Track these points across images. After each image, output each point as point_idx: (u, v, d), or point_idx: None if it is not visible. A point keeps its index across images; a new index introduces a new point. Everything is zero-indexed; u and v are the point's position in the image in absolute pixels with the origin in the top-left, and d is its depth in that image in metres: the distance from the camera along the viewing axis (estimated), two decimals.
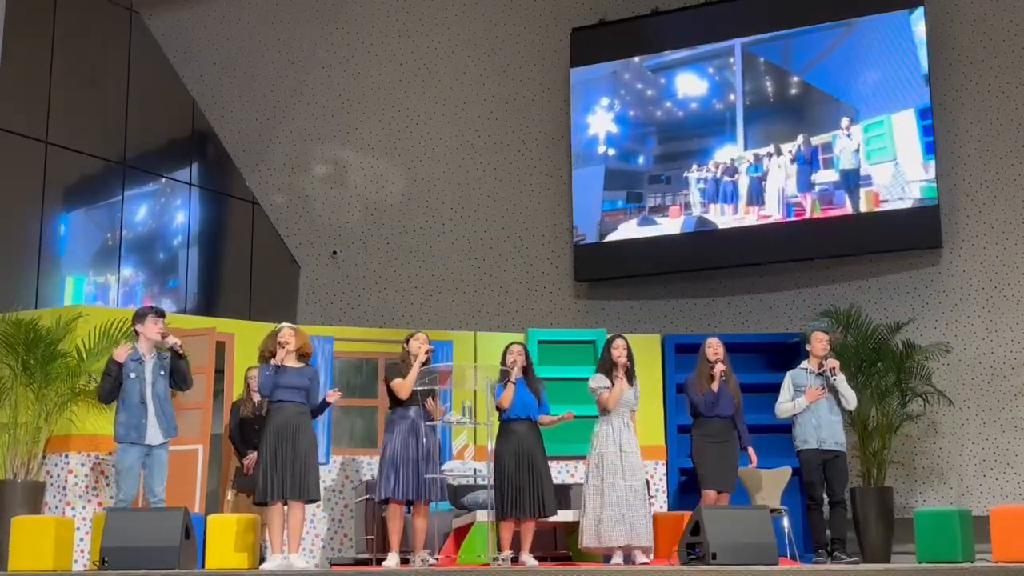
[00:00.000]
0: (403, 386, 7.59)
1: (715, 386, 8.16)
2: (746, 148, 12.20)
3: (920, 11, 11.42)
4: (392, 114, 13.73)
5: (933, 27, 11.47)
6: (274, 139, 14.26)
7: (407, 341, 7.81)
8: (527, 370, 7.74)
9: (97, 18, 13.29)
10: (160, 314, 7.77)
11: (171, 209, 13.84)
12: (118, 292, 12.92)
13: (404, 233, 13.51)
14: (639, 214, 12.51)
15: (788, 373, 8.63)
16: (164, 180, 13.68)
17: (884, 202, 11.42)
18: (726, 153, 12.29)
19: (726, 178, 12.21)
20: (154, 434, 7.51)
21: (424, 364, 7.62)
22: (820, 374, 8.41)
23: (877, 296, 11.20)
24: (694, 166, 12.41)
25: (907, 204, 11.26)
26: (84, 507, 8.78)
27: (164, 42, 14.04)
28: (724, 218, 12.17)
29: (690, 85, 12.67)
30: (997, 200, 11.12)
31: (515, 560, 7.51)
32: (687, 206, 12.33)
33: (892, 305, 11.05)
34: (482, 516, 7.89)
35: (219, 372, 9.61)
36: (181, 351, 7.58)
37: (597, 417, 7.95)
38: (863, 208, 11.49)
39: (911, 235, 11.38)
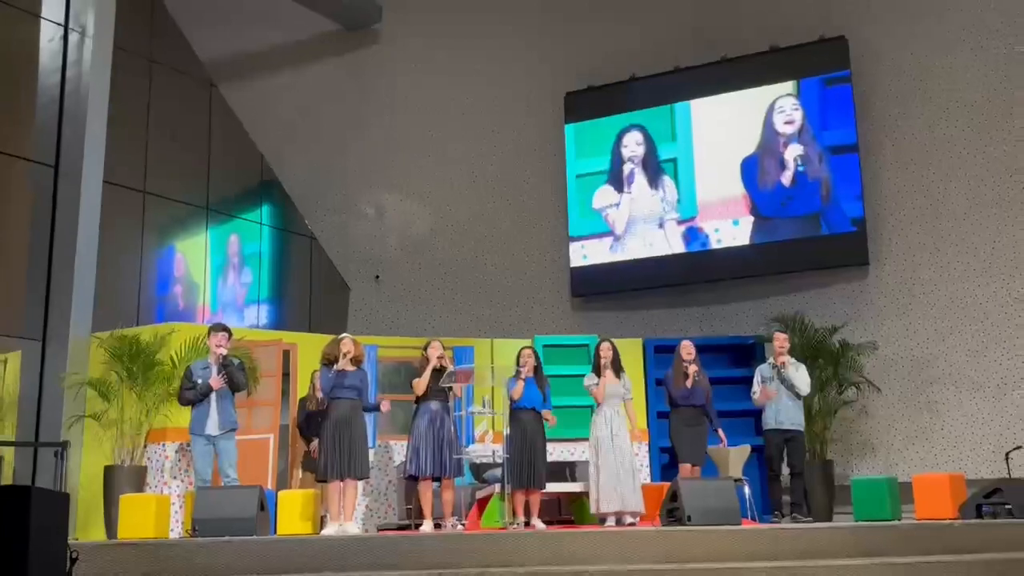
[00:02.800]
0: (418, 385, 7.64)
1: (688, 383, 8.19)
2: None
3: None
4: (421, 164, 13.82)
5: (859, 80, 11.49)
6: (327, 186, 14.36)
7: (425, 348, 7.84)
8: (536, 370, 7.76)
9: (184, 91, 13.41)
10: (218, 329, 7.88)
11: (246, 244, 13.92)
12: (206, 312, 13.01)
13: (432, 260, 13.57)
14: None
15: (758, 368, 8.70)
16: (239, 220, 13.78)
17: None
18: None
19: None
20: (212, 427, 7.65)
21: (439, 368, 7.64)
22: (776, 367, 8.44)
23: (817, 305, 11.18)
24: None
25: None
26: (178, 486, 8.81)
27: (237, 108, 14.14)
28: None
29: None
30: (912, 225, 11.12)
31: (527, 524, 7.53)
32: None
33: (829, 312, 11.04)
34: (499, 489, 7.92)
35: (285, 375, 9.65)
36: (224, 361, 7.67)
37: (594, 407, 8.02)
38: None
39: (843, 255, 11.38)
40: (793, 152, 11.73)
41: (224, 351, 7.69)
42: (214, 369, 7.66)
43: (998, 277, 10.57)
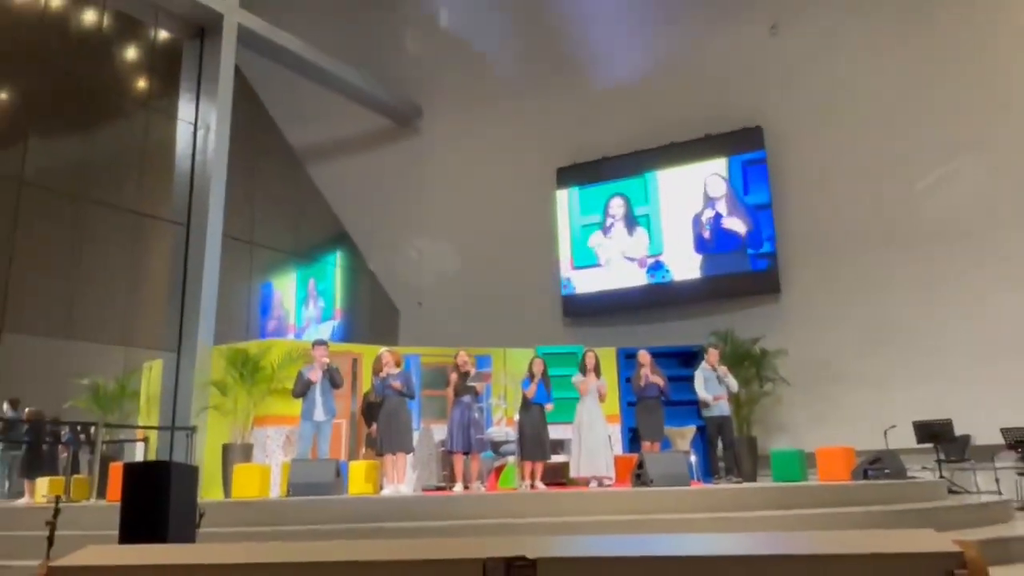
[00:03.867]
0: (448, 393, 7.66)
1: (642, 383, 8.16)
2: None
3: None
4: (451, 219, 13.89)
5: (772, 157, 11.55)
6: (381, 236, 14.44)
7: (455, 357, 7.84)
8: (544, 374, 7.76)
9: (279, 169, 13.56)
10: (321, 344, 7.89)
11: (324, 279, 14.01)
12: (299, 330, 13.07)
13: (460, 290, 13.58)
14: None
15: (698, 371, 8.57)
16: (319, 264, 13.87)
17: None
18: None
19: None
20: (319, 414, 7.60)
21: (464, 375, 7.62)
22: (716, 373, 8.38)
23: (743, 322, 11.18)
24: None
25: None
26: (277, 459, 8.82)
27: (318, 181, 14.29)
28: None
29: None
30: (809, 265, 11.15)
31: (532, 486, 7.50)
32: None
33: (752, 327, 11.03)
34: (512, 460, 7.89)
35: (354, 376, 9.66)
36: (325, 368, 7.67)
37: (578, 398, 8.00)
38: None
39: (761, 285, 11.39)
40: (717, 211, 11.82)
41: (327, 360, 7.71)
42: (319, 373, 7.67)
43: (876, 300, 10.57)
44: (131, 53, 11.35)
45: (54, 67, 10.33)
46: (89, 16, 10.88)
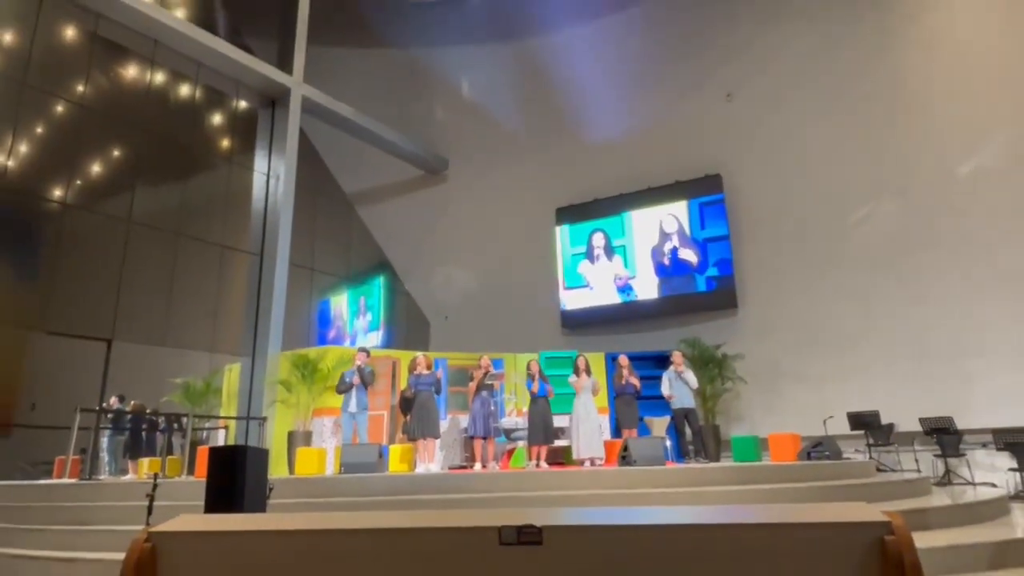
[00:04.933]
0: (470, 389, 7.62)
1: (622, 382, 8.09)
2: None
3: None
4: (471, 250, 13.91)
5: (729, 197, 11.54)
6: (416, 263, 14.47)
7: (481, 359, 7.81)
8: (541, 373, 7.72)
9: (334, 209, 13.64)
10: (362, 350, 7.89)
11: (371, 298, 14.04)
12: (352, 338, 13.05)
13: (477, 307, 13.58)
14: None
15: (665, 373, 8.49)
16: (366, 285, 13.89)
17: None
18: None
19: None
20: (354, 406, 7.58)
21: (484, 375, 7.59)
22: (677, 372, 8.29)
23: (708, 331, 11.12)
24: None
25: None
26: (331, 444, 8.78)
27: (365, 219, 14.33)
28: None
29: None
30: (761, 285, 11.09)
31: (538, 466, 7.44)
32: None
33: (715, 335, 10.97)
34: (521, 444, 7.82)
35: (393, 375, 9.63)
36: (360, 368, 7.64)
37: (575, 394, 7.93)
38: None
39: (722, 301, 11.31)
40: (673, 244, 11.79)
41: (360, 363, 7.70)
42: (358, 377, 7.66)
43: (816, 313, 10.48)
44: (217, 119, 11.53)
45: (156, 130, 10.50)
46: (184, 89, 11.06)
